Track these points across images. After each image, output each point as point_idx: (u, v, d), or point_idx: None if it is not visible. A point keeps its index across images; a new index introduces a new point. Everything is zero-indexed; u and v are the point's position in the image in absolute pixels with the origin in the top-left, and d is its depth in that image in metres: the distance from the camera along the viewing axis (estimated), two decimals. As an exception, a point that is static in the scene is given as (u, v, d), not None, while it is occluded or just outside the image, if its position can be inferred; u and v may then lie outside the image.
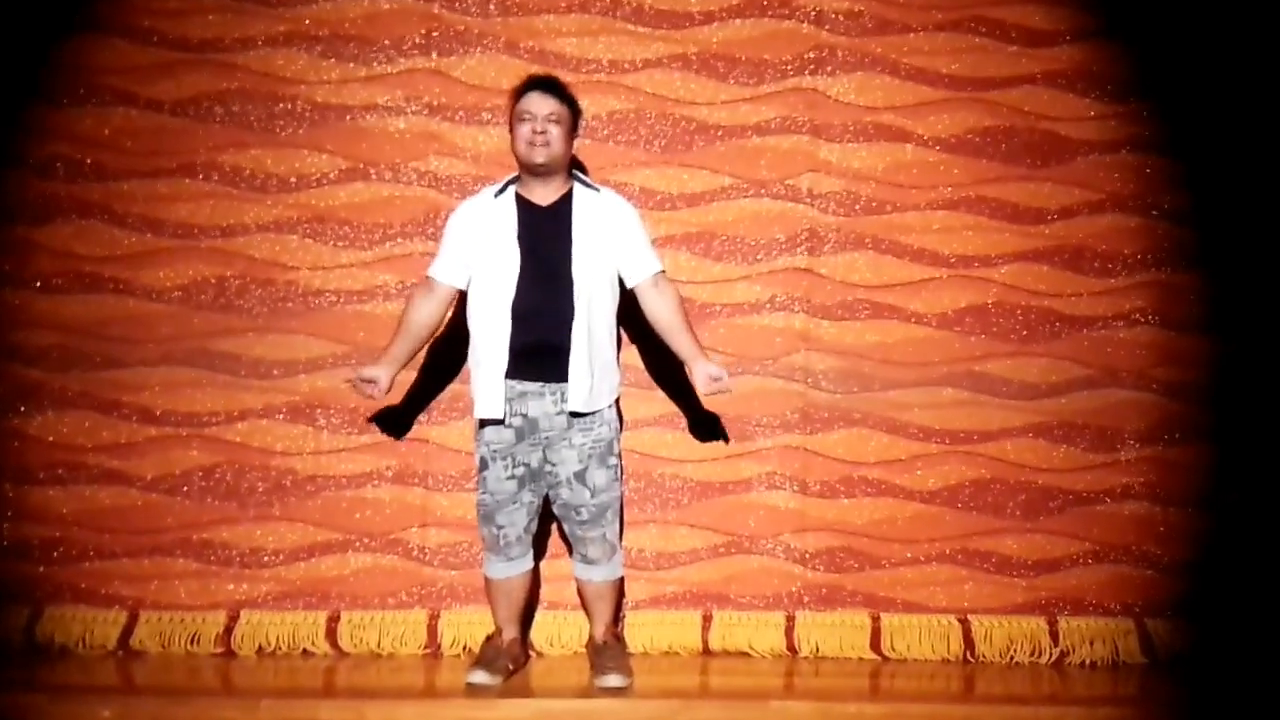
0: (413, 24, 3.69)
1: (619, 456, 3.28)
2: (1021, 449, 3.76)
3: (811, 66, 3.75)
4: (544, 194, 3.18)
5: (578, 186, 3.23)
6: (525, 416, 3.14)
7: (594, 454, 3.17)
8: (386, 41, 3.69)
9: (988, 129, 3.78)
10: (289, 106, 3.68)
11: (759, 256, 3.74)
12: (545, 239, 3.13)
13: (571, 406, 3.11)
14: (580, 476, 3.16)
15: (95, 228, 3.64)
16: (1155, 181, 3.77)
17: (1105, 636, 3.69)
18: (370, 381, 3.18)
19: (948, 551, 3.73)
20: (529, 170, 3.16)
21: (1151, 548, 3.74)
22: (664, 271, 3.27)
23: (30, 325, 3.62)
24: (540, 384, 3.12)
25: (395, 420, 3.65)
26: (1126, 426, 3.77)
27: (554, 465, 3.18)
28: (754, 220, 3.75)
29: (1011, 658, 3.66)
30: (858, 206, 3.76)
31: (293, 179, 3.68)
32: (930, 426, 3.75)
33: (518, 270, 3.11)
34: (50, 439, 3.62)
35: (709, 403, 3.55)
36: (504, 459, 3.17)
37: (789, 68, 3.75)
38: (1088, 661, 3.66)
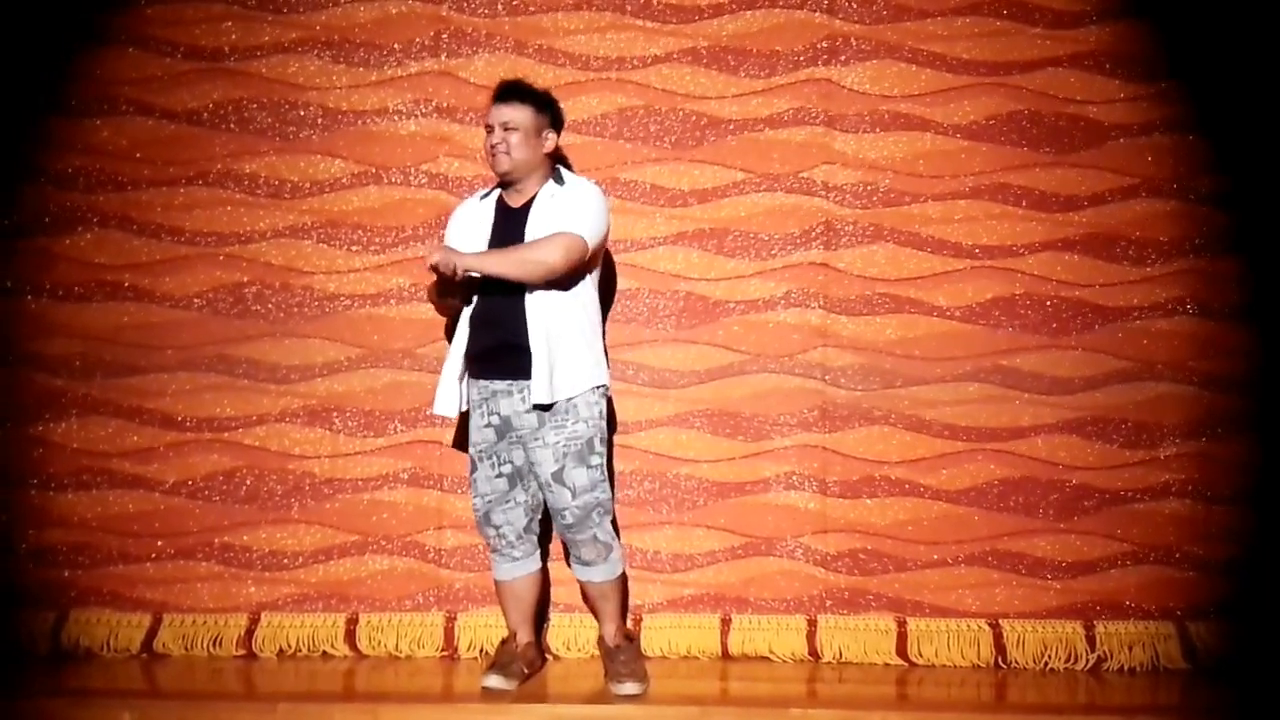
0: (421, 26, 3.70)
1: (604, 456, 3.21)
2: (1054, 446, 3.63)
3: (825, 56, 3.67)
4: (518, 197, 3.20)
5: (548, 184, 3.21)
6: (500, 415, 3.16)
7: (569, 452, 3.12)
8: (396, 45, 3.70)
9: (1011, 114, 3.66)
10: (301, 112, 3.71)
11: (773, 252, 3.67)
12: (507, 241, 3.13)
13: (534, 399, 3.07)
14: (558, 477, 3.12)
15: (114, 237, 3.70)
16: (1190, 164, 3.62)
17: (1145, 641, 3.54)
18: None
19: (977, 553, 3.62)
20: (498, 179, 3.20)
21: (1193, 548, 3.58)
22: (579, 237, 3.07)
23: (52, 334, 3.69)
24: (508, 381, 3.13)
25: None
26: (1165, 421, 3.62)
27: (533, 466, 3.16)
28: (768, 215, 3.67)
29: (1046, 664, 3.53)
30: (875, 198, 3.66)
31: (306, 184, 3.71)
32: (956, 424, 3.64)
33: (479, 274, 3.10)
34: (74, 445, 3.69)
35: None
36: (489, 458, 3.18)
37: (801, 58, 3.67)
38: (1126, 667, 3.52)
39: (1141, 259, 3.64)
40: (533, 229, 3.12)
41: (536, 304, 3.09)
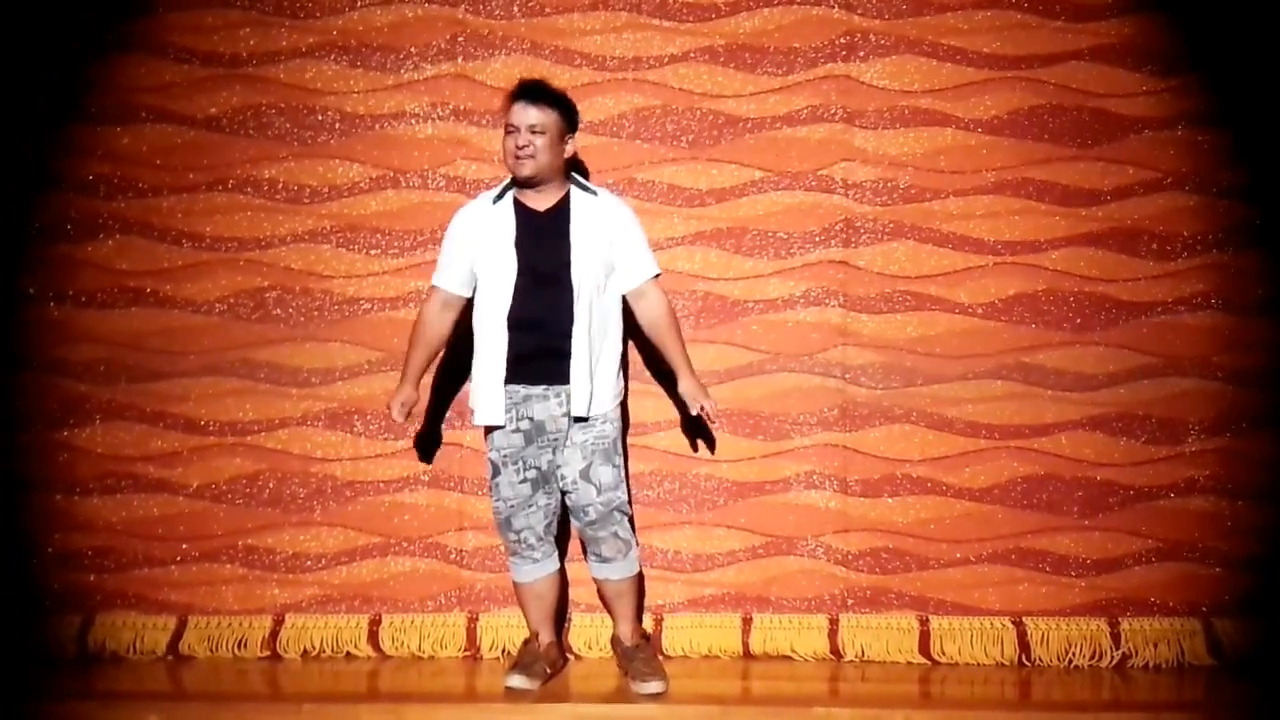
0: (437, 30, 3.69)
1: (624, 455, 3.24)
2: (1078, 443, 3.61)
3: (843, 52, 3.65)
4: (540, 200, 3.18)
5: (574, 190, 3.21)
6: (532, 420, 3.16)
7: (597, 450, 3.15)
8: (412, 49, 3.70)
9: (1033, 109, 3.63)
10: (319, 117, 3.72)
11: (792, 250, 3.66)
12: (543, 245, 3.13)
13: (575, 412, 3.11)
14: (585, 474, 3.13)
15: (135, 243, 3.72)
16: (1213, 157, 3.59)
17: (1170, 638, 3.53)
18: (405, 406, 3.25)
19: (1000, 551, 3.60)
20: (516, 181, 3.17)
21: (1218, 544, 3.57)
22: (659, 275, 3.25)
23: (76, 339, 3.71)
24: (544, 386, 3.13)
25: (429, 427, 3.69)
26: (1190, 417, 3.60)
27: (560, 466, 3.17)
28: (786, 213, 3.66)
29: (1070, 661, 3.52)
30: (895, 194, 3.65)
31: (325, 189, 3.72)
32: (978, 421, 3.62)
33: (515, 278, 3.11)
34: (98, 450, 3.71)
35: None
36: (515, 463, 3.18)
37: (819, 55, 3.66)
38: (1151, 664, 3.51)
39: (1165, 254, 3.62)
40: (579, 245, 3.13)
41: (583, 312, 3.11)
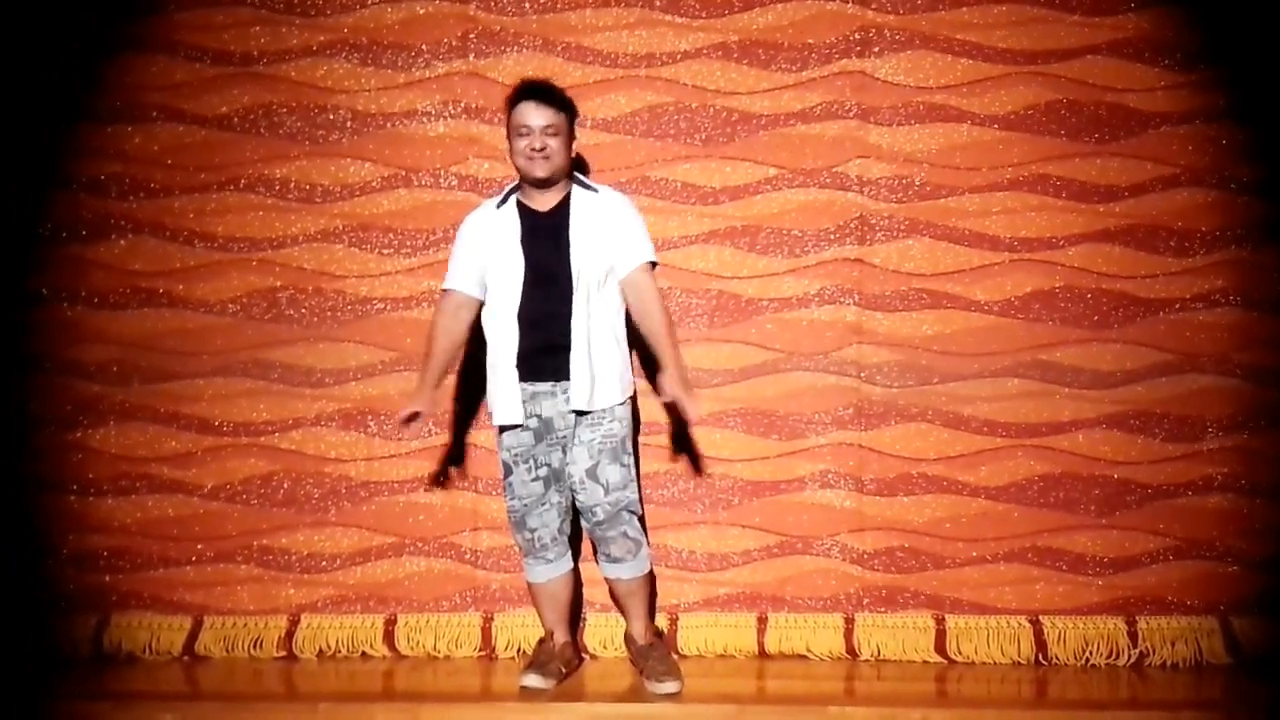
0: (449, 27, 3.67)
1: (634, 455, 3.23)
2: (1095, 441, 3.59)
3: (858, 48, 3.62)
4: (544, 200, 3.18)
5: (575, 189, 3.21)
6: (540, 417, 3.17)
7: (604, 449, 3.13)
8: (423, 46, 3.69)
9: (1049, 104, 3.60)
10: (331, 116, 3.71)
11: (807, 248, 3.64)
12: (546, 244, 3.13)
13: (573, 405, 3.11)
14: (592, 473, 3.12)
15: (147, 243, 3.72)
16: (1232, 153, 3.56)
17: (1188, 636, 3.51)
18: (414, 417, 3.17)
19: (1016, 550, 3.59)
20: (529, 183, 3.16)
21: (1236, 542, 3.55)
22: (654, 264, 3.19)
23: (89, 340, 3.71)
24: (551, 383, 3.14)
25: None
26: (1208, 415, 3.57)
27: (567, 465, 3.17)
28: (801, 211, 3.64)
29: (1087, 660, 3.51)
30: (911, 191, 3.62)
31: (337, 188, 3.71)
32: (995, 420, 3.60)
33: (522, 277, 3.12)
34: (112, 451, 3.71)
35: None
36: (526, 462, 3.18)
37: (834, 51, 3.63)
38: (1169, 663, 3.49)
39: (1183, 250, 3.59)
40: (577, 242, 3.13)
41: (581, 307, 3.11)
